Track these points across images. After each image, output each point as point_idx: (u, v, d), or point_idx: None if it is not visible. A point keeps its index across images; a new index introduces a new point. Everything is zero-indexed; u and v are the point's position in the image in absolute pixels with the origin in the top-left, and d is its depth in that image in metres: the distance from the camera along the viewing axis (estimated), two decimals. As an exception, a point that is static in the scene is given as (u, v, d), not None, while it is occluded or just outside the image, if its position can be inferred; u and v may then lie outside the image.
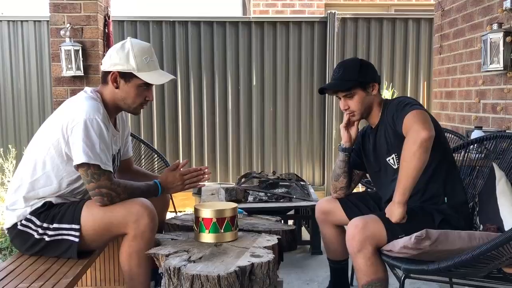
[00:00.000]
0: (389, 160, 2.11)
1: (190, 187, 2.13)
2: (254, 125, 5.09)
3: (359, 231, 1.87)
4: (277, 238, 1.85)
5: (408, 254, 1.78)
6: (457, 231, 1.83)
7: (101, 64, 2.04)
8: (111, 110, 2.02)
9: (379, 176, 2.22)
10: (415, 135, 1.81)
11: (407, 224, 1.87)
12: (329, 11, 5.04)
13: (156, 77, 1.99)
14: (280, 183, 3.65)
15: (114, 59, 1.95)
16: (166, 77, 2.04)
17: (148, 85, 1.99)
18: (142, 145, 3.59)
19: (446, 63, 4.11)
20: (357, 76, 2.07)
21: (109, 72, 1.96)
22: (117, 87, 1.97)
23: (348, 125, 2.20)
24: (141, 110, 2.08)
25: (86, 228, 1.87)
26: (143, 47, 1.98)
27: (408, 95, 4.98)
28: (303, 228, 3.63)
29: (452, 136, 3.37)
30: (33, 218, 1.90)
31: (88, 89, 2.00)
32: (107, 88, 1.99)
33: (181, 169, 2.11)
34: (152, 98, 2.04)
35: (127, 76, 1.95)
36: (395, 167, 2.08)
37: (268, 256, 1.64)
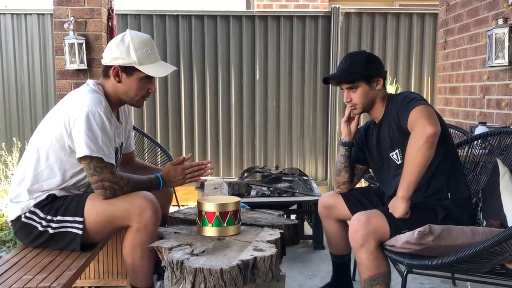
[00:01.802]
0: (392, 155, 2.10)
1: (191, 181, 2.13)
2: (257, 120, 5.08)
3: (362, 225, 1.87)
4: (280, 232, 1.85)
5: (411, 249, 1.78)
6: (460, 226, 1.83)
7: (102, 58, 2.03)
8: (114, 102, 2.01)
9: (381, 172, 2.21)
10: (421, 130, 1.80)
11: (410, 219, 1.87)
12: (333, 6, 5.02)
13: (158, 69, 1.99)
14: (283, 178, 3.65)
15: (114, 53, 1.94)
16: (168, 68, 2.04)
17: (150, 77, 1.98)
18: (145, 139, 3.59)
19: (451, 58, 4.09)
20: (362, 69, 2.06)
21: (110, 66, 1.96)
22: (119, 81, 1.96)
23: (349, 119, 2.20)
24: (144, 102, 2.08)
25: (89, 220, 1.87)
26: (143, 39, 1.97)
27: (412, 90, 4.96)
28: (305, 223, 3.63)
29: (456, 131, 3.36)
30: (37, 211, 1.90)
31: (90, 82, 2.00)
32: (109, 81, 1.99)
33: (185, 163, 2.11)
34: (154, 90, 2.04)
35: (128, 69, 1.95)
36: (399, 162, 2.07)
37: (271, 250, 1.64)
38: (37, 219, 1.90)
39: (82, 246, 1.88)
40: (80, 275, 1.83)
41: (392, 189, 2.05)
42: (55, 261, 1.80)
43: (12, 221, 1.97)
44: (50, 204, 1.91)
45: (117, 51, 1.93)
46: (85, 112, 1.83)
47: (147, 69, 1.94)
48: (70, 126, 1.85)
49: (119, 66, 1.94)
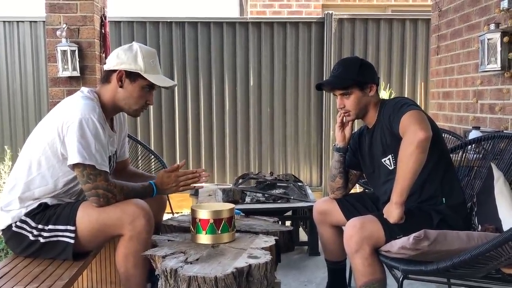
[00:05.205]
0: (384, 161, 2.10)
1: (185, 189, 2.11)
2: (252, 126, 5.08)
3: (357, 231, 1.86)
4: (275, 239, 1.84)
5: (406, 254, 1.77)
6: (456, 231, 1.82)
7: (104, 64, 2.04)
8: (109, 110, 2.01)
9: (373, 177, 2.21)
10: (412, 135, 1.80)
11: (405, 224, 1.86)
12: (326, 12, 5.04)
13: (161, 80, 2.01)
14: (278, 184, 3.64)
15: (121, 58, 1.95)
16: (170, 81, 2.07)
17: (150, 88, 2.00)
18: (139, 146, 3.57)
19: (444, 64, 4.11)
20: (355, 75, 2.06)
21: (114, 70, 1.96)
22: (121, 86, 1.97)
23: (343, 124, 2.20)
24: (141, 113, 2.07)
25: (82, 229, 1.85)
26: (150, 50, 2.02)
27: (406, 96, 4.98)
28: (300, 229, 3.62)
29: (450, 136, 3.37)
30: (28, 220, 1.88)
31: (84, 89, 1.99)
32: (109, 87, 1.98)
33: (179, 170, 2.10)
34: (152, 102, 2.06)
35: (133, 76, 1.96)
36: (391, 168, 2.07)
37: (266, 257, 1.62)
38: (28, 228, 1.87)
39: (74, 255, 1.85)
40: (73, 285, 1.80)
41: (385, 195, 2.04)
42: (47, 271, 1.77)
43: (2, 230, 1.94)
44: (42, 213, 1.88)
45: (124, 57, 1.95)
46: (78, 118, 1.81)
47: (152, 78, 1.96)
48: (63, 133, 1.84)
49: (124, 71, 1.95)
